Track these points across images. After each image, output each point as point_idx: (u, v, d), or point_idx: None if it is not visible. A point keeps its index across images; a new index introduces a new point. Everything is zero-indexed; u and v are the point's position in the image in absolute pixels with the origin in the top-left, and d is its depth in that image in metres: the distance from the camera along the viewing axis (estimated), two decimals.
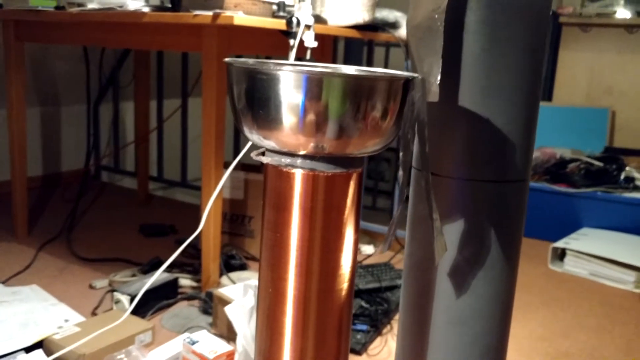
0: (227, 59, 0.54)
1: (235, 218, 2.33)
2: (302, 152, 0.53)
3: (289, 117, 0.51)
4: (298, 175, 0.54)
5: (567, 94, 3.27)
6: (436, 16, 0.58)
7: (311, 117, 0.50)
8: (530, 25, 0.62)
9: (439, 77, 0.57)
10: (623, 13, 3.17)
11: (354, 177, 0.56)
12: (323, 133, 0.51)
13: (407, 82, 0.54)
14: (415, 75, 0.54)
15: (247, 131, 0.55)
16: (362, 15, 1.80)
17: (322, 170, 0.54)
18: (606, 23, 3.13)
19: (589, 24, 3.17)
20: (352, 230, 0.57)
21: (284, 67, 0.49)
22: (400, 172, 0.57)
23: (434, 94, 0.57)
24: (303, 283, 0.56)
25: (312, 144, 0.52)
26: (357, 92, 0.50)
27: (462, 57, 0.62)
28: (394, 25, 1.98)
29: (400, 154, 0.56)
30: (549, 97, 3.29)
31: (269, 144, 0.54)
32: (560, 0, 3.21)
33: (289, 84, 0.49)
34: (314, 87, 0.49)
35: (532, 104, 0.65)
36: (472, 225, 0.66)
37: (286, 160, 0.54)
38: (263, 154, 0.57)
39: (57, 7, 1.84)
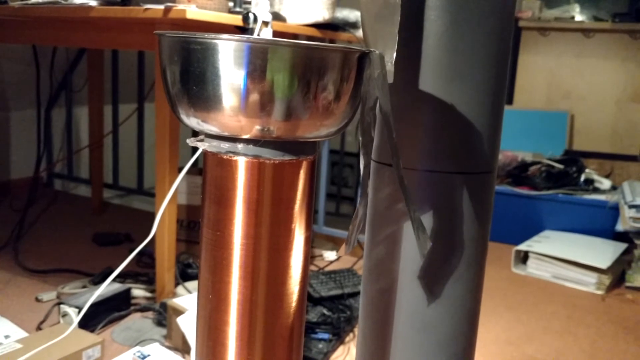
0: (157, 31, 0.47)
1: (192, 225, 2.24)
2: (245, 136, 0.46)
3: (228, 95, 0.44)
4: (241, 163, 0.47)
5: (527, 97, 3.30)
6: None
7: (254, 94, 0.44)
8: (497, 2, 0.57)
9: (394, 56, 0.51)
10: (581, 18, 3.22)
11: (305, 165, 0.49)
12: (268, 113, 0.44)
13: (363, 57, 0.48)
14: (371, 49, 0.48)
15: (183, 115, 0.48)
16: (322, 14, 1.75)
17: (268, 157, 0.47)
18: (564, 27, 3.17)
19: (548, 28, 3.20)
20: (304, 226, 0.51)
21: (222, 36, 0.42)
22: (362, 161, 0.51)
23: (389, 74, 0.52)
24: (248, 287, 0.49)
25: (256, 127, 0.45)
26: (308, 65, 0.44)
27: (424, 36, 0.57)
28: (355, 25, 1.94)
29: (360, 139, 0.50)
30: (509, 100, 3.31)
31: (209, 127, 0.47)
32: (520, 4, 3.24)
33: (228, 56, 0.43)
34: (258, 59, 0.43)
35: (499, 88, 0.60)
36: (436, 220, 0.61)
37: (226, 145, 0.47)
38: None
39: None
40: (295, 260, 0.50)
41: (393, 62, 0.51)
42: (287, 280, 0.50)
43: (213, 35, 0.43)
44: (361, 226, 0.54)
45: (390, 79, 0.51)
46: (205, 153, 0.50)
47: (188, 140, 0.51)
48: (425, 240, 0.52)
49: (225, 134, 0.47)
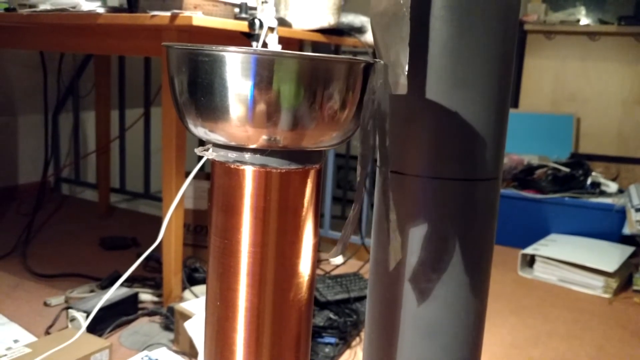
0: (165, 43, 0.48)
1: (199, 229, 2.25)
2: (252, 146, 0.47)
3: (236, 106, 0.45)
4: (248, 172, 0.48)
5: (533, 100, 3.30)
6: (402, 1, 0.53)
7: (261, 105, 0.44)
8: (500, 10, 0.58)
9: (406, 67, 0.52)
10: (586, 21, 3.22)
11: (312, 174, 0.50)
12: (275, 123, 0.45)
13: (368, 68, 0.49)
14: (376, 60, 0.49)
15: (191, 125, 0.49)
16: (327, 19, 1.76)
17: (275, 166, 0.48)
18: (570, 30, 3.17)
19: (553, 31, 3.20)
20: (311, 233, 0.51)
21: (229, 48, 0.43)
22: (358, 169, 0.52)
23: (402, 86, 0.52)
24: (255, 294, 0.49)
25: (263, 137, 0.46)
26: (313, 76, 0.45)
27: (429, 45, 0.58)
28: (360, 30, 1.95)
29: (359, 147, 0.50)
30: (515, 103, 3.31)
31: (216, 137, 0.48)
32: (525, 8, 3.24)
33: (236, 67, 0.44)
34: (264, 70, 0.44)
35: (503, 95, 0.61)
36: (440, 227, 0.61)
37: (233, 155, 0.48)
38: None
39: (7, 9, 1.75)
40: (302, 267, 0.51)
41: (406, 73, 0.51)
42: (294, 287, 0.51)
43: (221, 48, 0.44)
44: (352, 231, 0.55)
45: (404, 90, 0.51)
46: (212, 162, 0.51)
47: (196, 150, 0.51)
48: (397, 251, 0.53)
49: (233, 143, 0.48)
